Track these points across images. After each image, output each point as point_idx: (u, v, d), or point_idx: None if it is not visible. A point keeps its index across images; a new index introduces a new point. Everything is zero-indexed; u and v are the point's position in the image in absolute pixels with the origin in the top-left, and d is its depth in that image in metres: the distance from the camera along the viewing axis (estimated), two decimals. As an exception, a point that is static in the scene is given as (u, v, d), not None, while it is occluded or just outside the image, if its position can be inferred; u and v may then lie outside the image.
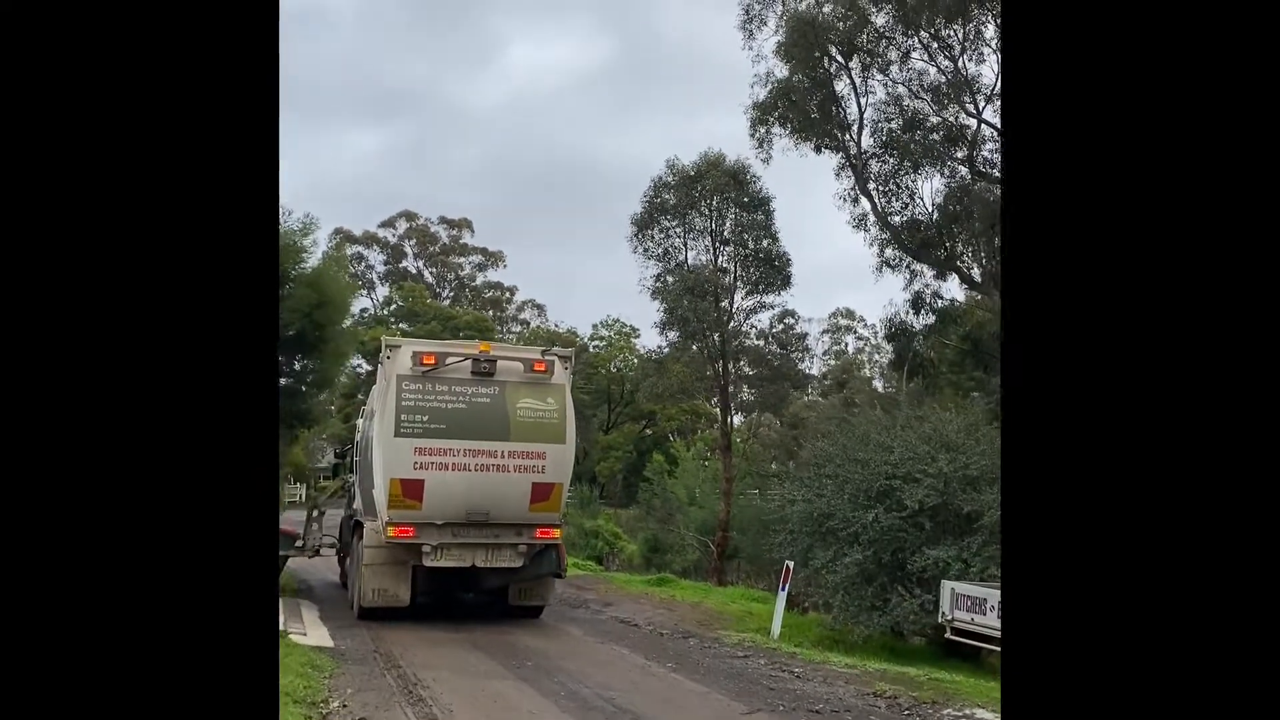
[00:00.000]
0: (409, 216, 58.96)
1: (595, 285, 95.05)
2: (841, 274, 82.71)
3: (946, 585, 12.08)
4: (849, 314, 56.75)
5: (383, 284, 57.33)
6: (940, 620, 12.19)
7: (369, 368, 45.59)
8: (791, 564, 14.49)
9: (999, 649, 11.37)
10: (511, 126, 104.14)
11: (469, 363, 12.57)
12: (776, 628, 13.95)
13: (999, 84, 19.53)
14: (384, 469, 12.49)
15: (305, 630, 12.33)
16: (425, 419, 12.34)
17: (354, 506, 16.02)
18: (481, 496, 12.48)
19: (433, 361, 12.52)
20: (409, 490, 12.27)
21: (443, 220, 59.91)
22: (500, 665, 10.58)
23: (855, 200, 22.87)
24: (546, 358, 13.10)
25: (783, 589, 14.42)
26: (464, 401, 12.51)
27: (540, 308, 61.97)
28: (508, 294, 61.72)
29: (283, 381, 22.16)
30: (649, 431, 53.49)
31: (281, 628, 11.92)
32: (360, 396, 45.93)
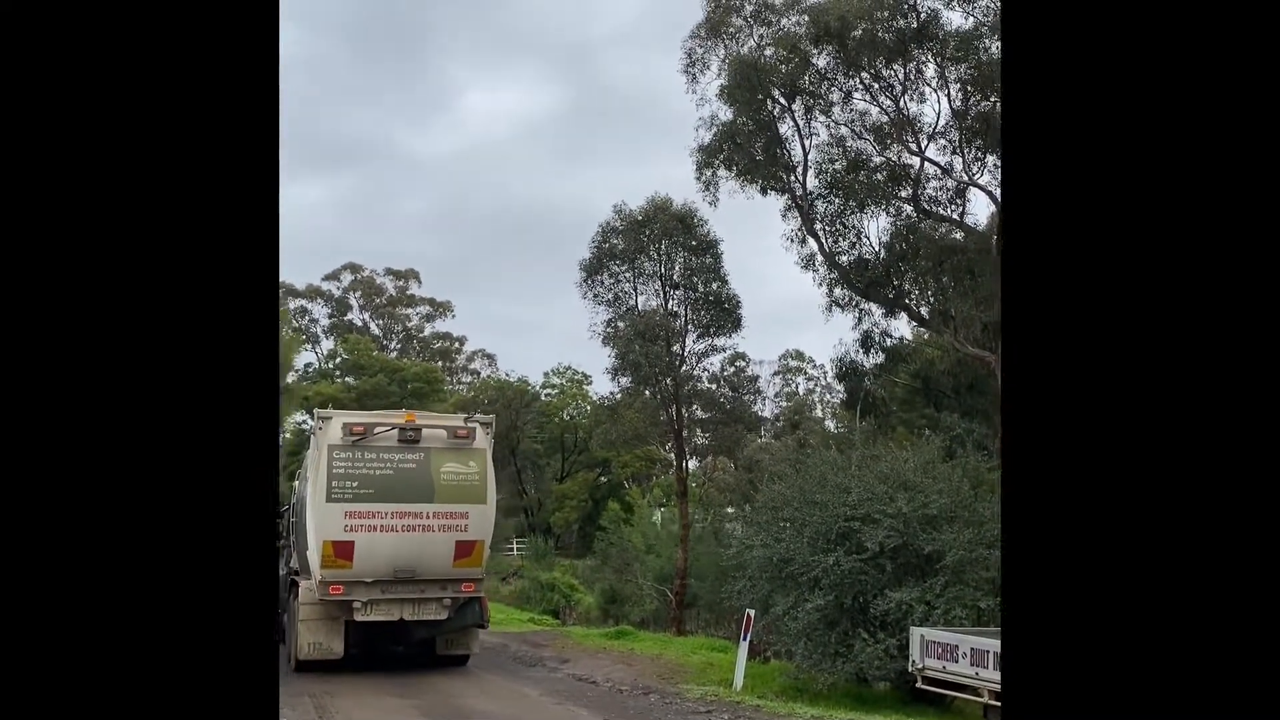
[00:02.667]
0: (354, 269, 58.31)
1: (547, 333, 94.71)
2: (790, 316, 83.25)
3: (916, 632, 11.78)
4: (799, 355, 56.97)
5: (327, 338, 56.42)
6: (910, 669, 11.86)
7: (313, 423, 44.64)
8: (752, 612, 14.12)
9: (970, 696, 11.08)
10: (463, 175, 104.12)
11: (396, 431, 13.57)
12: (739, 679, 13.53)
13: (943, 119, 19.73)
14: (317, 531, 13.30)
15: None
16: (355, 485, 13.28)
17: (290, 565, 16.52)
18: (408, 555, 13.41)
19: (361, 431, 13.45)
20: (340, 551, 13.19)
21: (389, 271, 59.37)
22: (451, 734, 10.02)
23: (803, 241, 22.92)
24: (468, 424, 14.18)
25: (744, 639, 14.02)
26: (391, 467, 13.46)
27: (490, 357, 61.45)
28: (457, 344, 61.13)
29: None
30: (604, 479, 52.90)
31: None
32: (306, 453, 44.98)
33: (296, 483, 17.88)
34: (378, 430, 13.56)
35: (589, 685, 13.88)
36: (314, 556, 13.41)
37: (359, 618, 13.54)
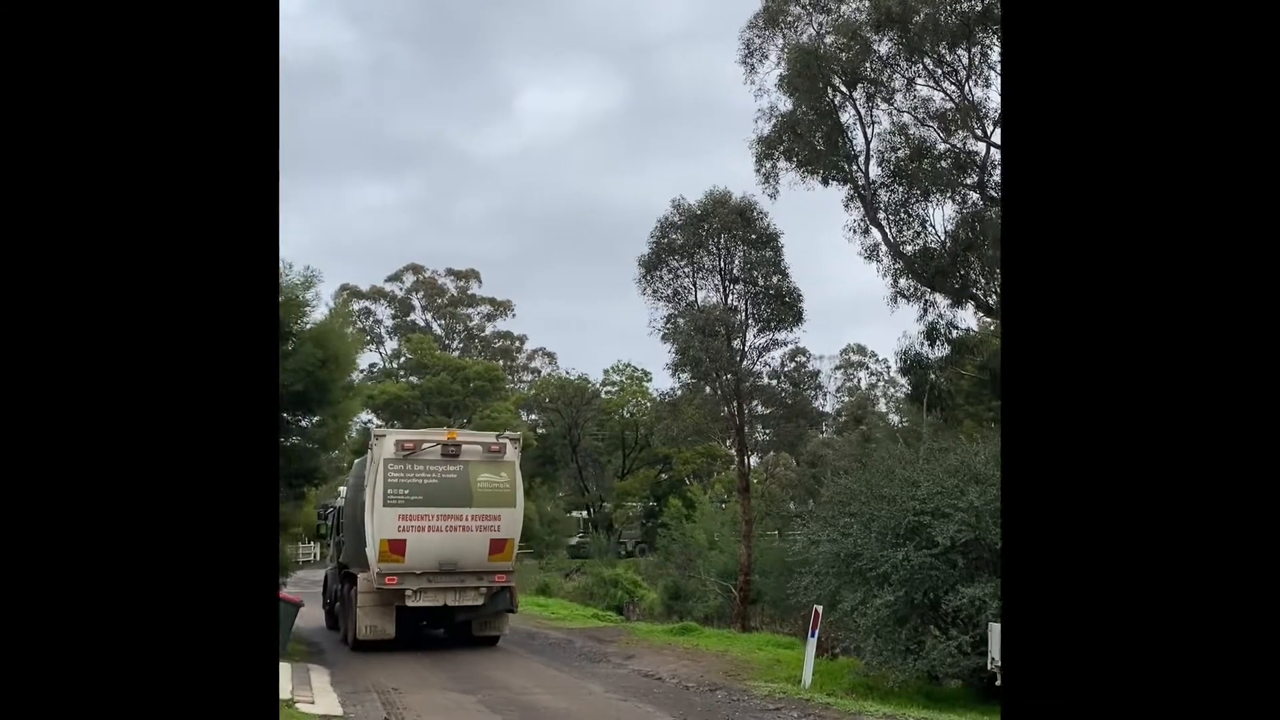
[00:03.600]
0: (416, 269, 59.00)
1: (607, 330, 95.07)
2: (851, 310, 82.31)
3: (995, 628, 11.42)
4: (860, 349, 56.26)
5: (391, 338, 57.20)
6: (990, 667, 11.51)
7: (379, 422, 45.23)
8: (820, 608, 13.86)
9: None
10: (522, 175, 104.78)
11: (440, 446, 16.23)
12: (807, 676, 13.30)
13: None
14: (375, 531, 15.87)
15: (314, 698, 11.76)
16: (406, 492, 15.89)
17: (340, 560, 19.43)
18: (451, 551, 16.10)
19: (411, 447, 16.10)
20: (395, 548, 15.82)
21: (450, 272, 59.97)
22: (518, 730, 9.98)
23: (866, 231, 22.51)
24: (500, 440, 16.95)
25: (812, 635, 13.78)
26: (436, 477, 16.13)
27: (551, 355, 61.75)
28: (517, 343, 61.54)
29: (289, 441, 21.73)
30: (664, 476, 52.82)
31: (287, 696, 11.35)
32: (360, 464, 45.59)
33: (343, 489, 20.26)
34: (425, 446, 16.19)
35: (655, 681, 13.77)
36: (372, 552, 15.85)
37: (410, 603, 16.03)
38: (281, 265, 19.50)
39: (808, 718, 10.87)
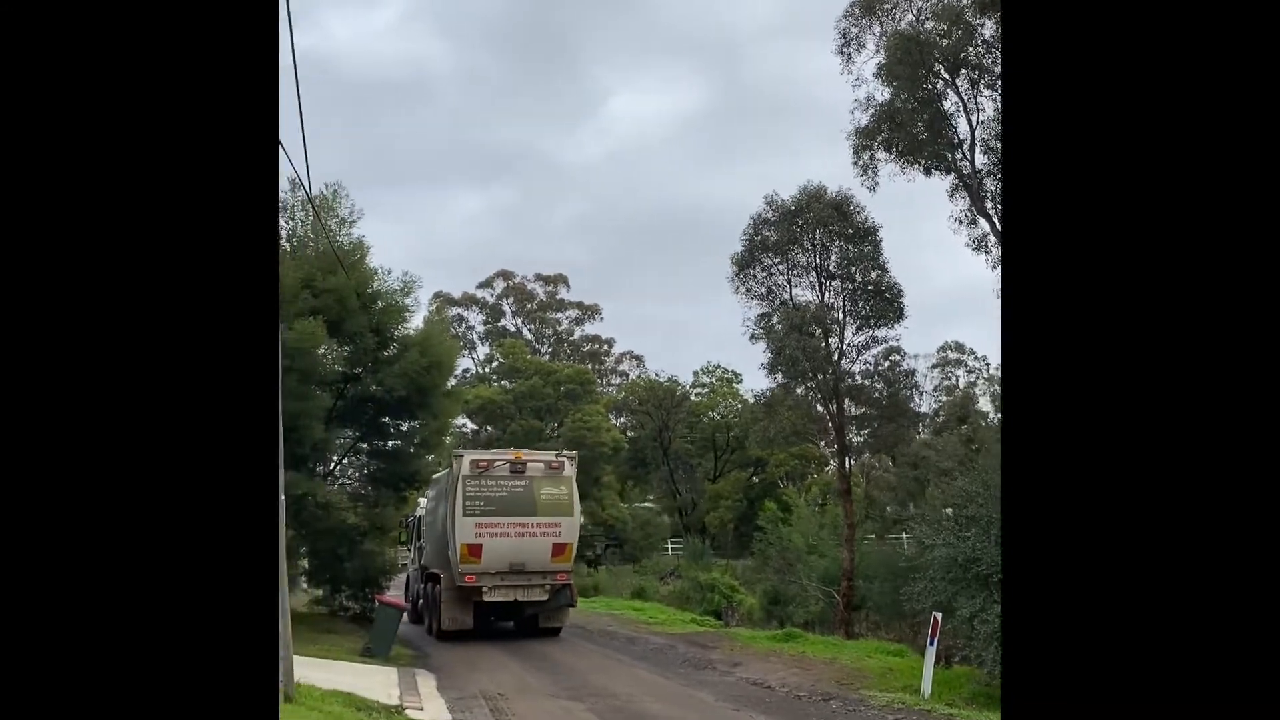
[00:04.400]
0: (506, 275, 59.55)
1: (696, 333, 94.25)
2: (945, 307, 79.92)
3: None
4: (958, 347, 54.58)
5: (483, 343, 57.85)
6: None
7: (473, 427, 45.67)
8: (939, 615, 13.24)
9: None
10: (611, 179, 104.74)
11: (508, 465, 19.15)
12: (927, 686, 12.71)
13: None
14: (457, 537, 18.66)
15: (422, 704, 11.68)
16: (481, 503, 18.69)
17: (421, 562, 22.29)
18: (519, 553, 18.89)
19: (485, 465, 19.04)
20: (473, 551, 18.59)
21: (539, 277, 60.34)
22: (632, 740, 9.69)
23: (973, 221, 21.62)
24: (559, 458, 19.80)
25: (931, 643, 13.18)
26: (505, 490, 18.95)
27: (639, 358, 61.60)
28: (605, 346, 61.55)
29: (390, 444, 21.94)
30: (757, 478, 52.13)
31: (395, 701, 11.29)
32: (440, 479, 46.11)
33: (422, 500, 23.03)
34: (495, 464, 19.11)
35: (764, 690, 13.35)
36: (454, 555, 18.61)
37: (486, 599, 18.85)
38: (380, 272, 19.71)
39: (932, 731, 10.31)
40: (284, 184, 18.64)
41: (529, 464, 19.33)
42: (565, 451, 20.92)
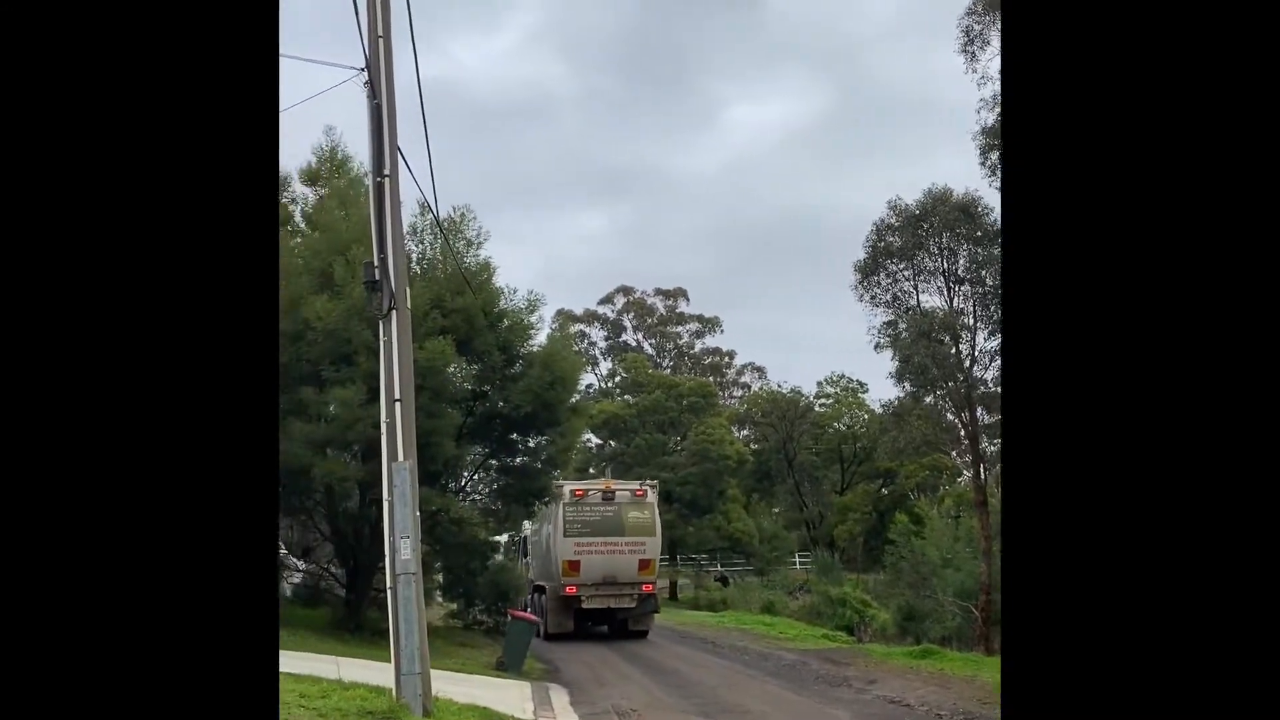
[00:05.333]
0: (626, 291, 60.01)
1: (819, 343, 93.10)
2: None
3: None
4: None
5: (605, 359, 58.39)
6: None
7: (598, 442, 46.11)
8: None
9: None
10: (728, 190, 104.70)
11: (600, 494, 23.08)
12: (1079, 709, 12.04)
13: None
14: (559, 555, 22.57)
15: (556, 719, 11.75)
16: (579, 526, 22.55)
17: (529, 576, 26.13)
18: (611, 568, 22.66)
19: (582, 494, 22.81)
20: (572, 566, 22.44)
21: (659, 291, 60.57)
22: (768, 759, 9.49)
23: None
24: (643, 487, 23.91)
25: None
26: (599, 515, 22.77)
27: (760, 370, 61.06)
28: (726, 358, 61.27)
29: (519, 460, 22.33)
30: (886, 490, 50.85)
31: (532, 716, 11.39)
32: (591, 470, 46.59)
33: (528, 523, 26.86)
34: (590, 493, 23.02)
35: (904, 709, 12.91)
36: (556, 570, 22.54)
37: (584, 606, 22.66)
38: (505, 291, 20.11)
39: (1088, 757, 9.75)
40: (413, 207, 19.29)
41: (617, 492, 23.50)
42: (648, 481, 25.57)
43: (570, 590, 22.35)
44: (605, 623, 23.92)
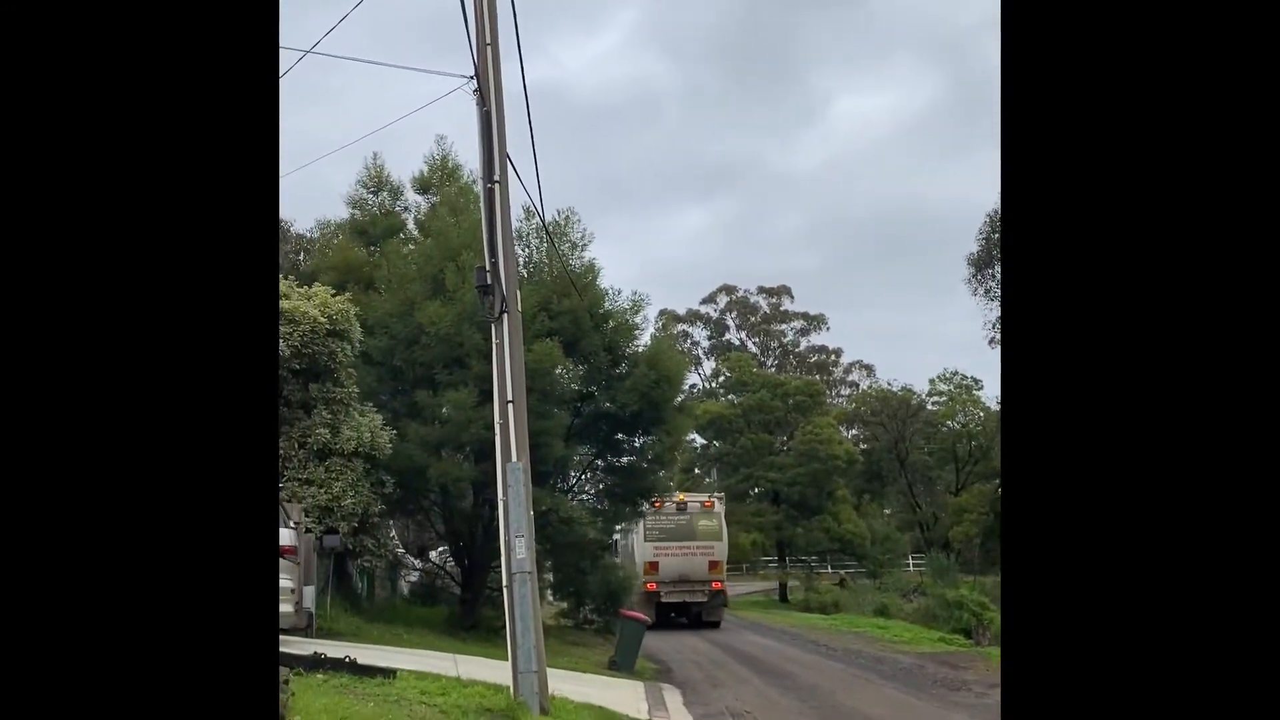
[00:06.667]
0: (729, 290, 59.81)
1: (930, 339, 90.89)
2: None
3: None
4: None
5: (708, 358, 58.26)
6: None
7: (703, 442, 46.00)
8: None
9: None
10: (834, 185, 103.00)
11: (675, 504, 27.58)
12: None
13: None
14: (640, 556, 27.41)
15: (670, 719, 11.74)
16: (657, 533, 27.36)
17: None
18: (685, 568, 27.49)
19: (659, 505, 25.75)
20: (652, 566, 27.30)
21: (761, 290, 60.17)
22: (889, 765, 9.27)
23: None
24: (710, 499, 29.43)
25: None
26: (673, 523, 27.58)
27: (868, 368, 60.04)
28: (833, 356, 60.42)
29: (626, 460, 22.44)
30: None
31: (646, 716, 11.40)
32: (697, 470, 46.51)
33: (619, 534, 28.85)
34: (666, 504, 26.68)
35: (1029, 717, 12.45)
36: (639, 569, 26.79)
37: (663, 600, 27.17)
38: (610, 292, 20.23)
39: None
40: (519, 212, 19.58)
41: (689, 504, 28.30)
42: (715, 494, 31.77)
43: (650, 587, 26.73)
44: (682, 614, 28.17)
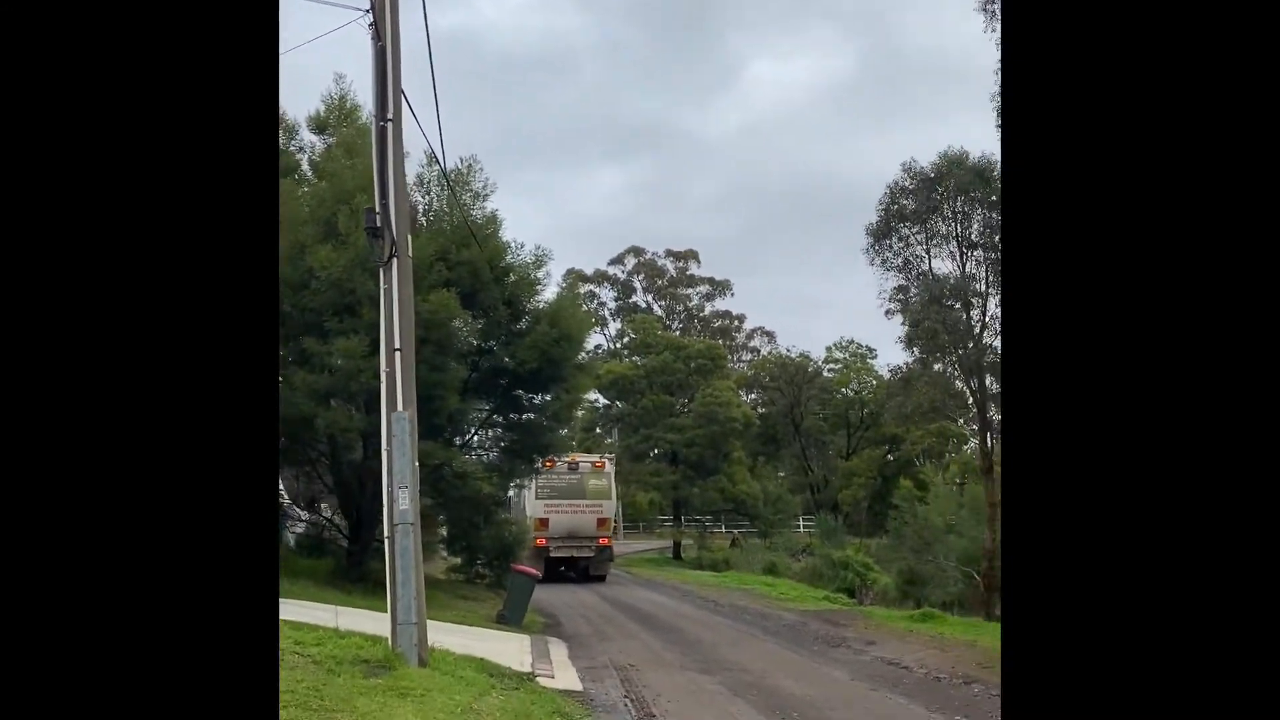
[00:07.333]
0: (637, 252, 59.60)
1: (830, 308, 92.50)
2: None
3: None
4: (1110, 320, 51.65)
5: (614, 319, 58.20)
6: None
7: (605, 402, 46.07)
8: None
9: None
10: (749, 151, 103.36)
11: (566, 464, 28.36)
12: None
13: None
14: (531, 513, 28.54)
15: (553, 672, 11.76)
16: (549, 491, 28.62)
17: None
18: (574, 524, 28.87)
19: (551, 464, 25.88)
20: (542, 523, 28.46)
21: (670, 253, 60.18)
22: (764, 717, 9.49)
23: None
24: (601, 459, 30.57)
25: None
26: (564, 482, 28.91)
27: (770, 334, 60.81)
28: (736, 322, 61.01)
29: (524, 417, 22.27)
30: (892, 456, 50.80)
31: (529, 669, 11.40)
32: (598, 429, 46.56)
33: (513, 491, 29.44)
34: (558, 463, 27.13)
35: (901, 670, 12.90)
36: (530, 525, 27.21)
37: (552, 555, 28.48)
38: (512, 246, 19.91)
39: (1085, 722, 9.70)
40: (420, 158, 19.04)
41: (581, 464, 29.44)
42: (607, 454, 32.38)
43: (540, 542, 27.85)
44: (570, 569, 29.49)
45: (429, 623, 10.70)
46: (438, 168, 18.35)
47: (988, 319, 24.76)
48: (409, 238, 10.43)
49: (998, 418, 33.01)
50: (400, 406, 9.58)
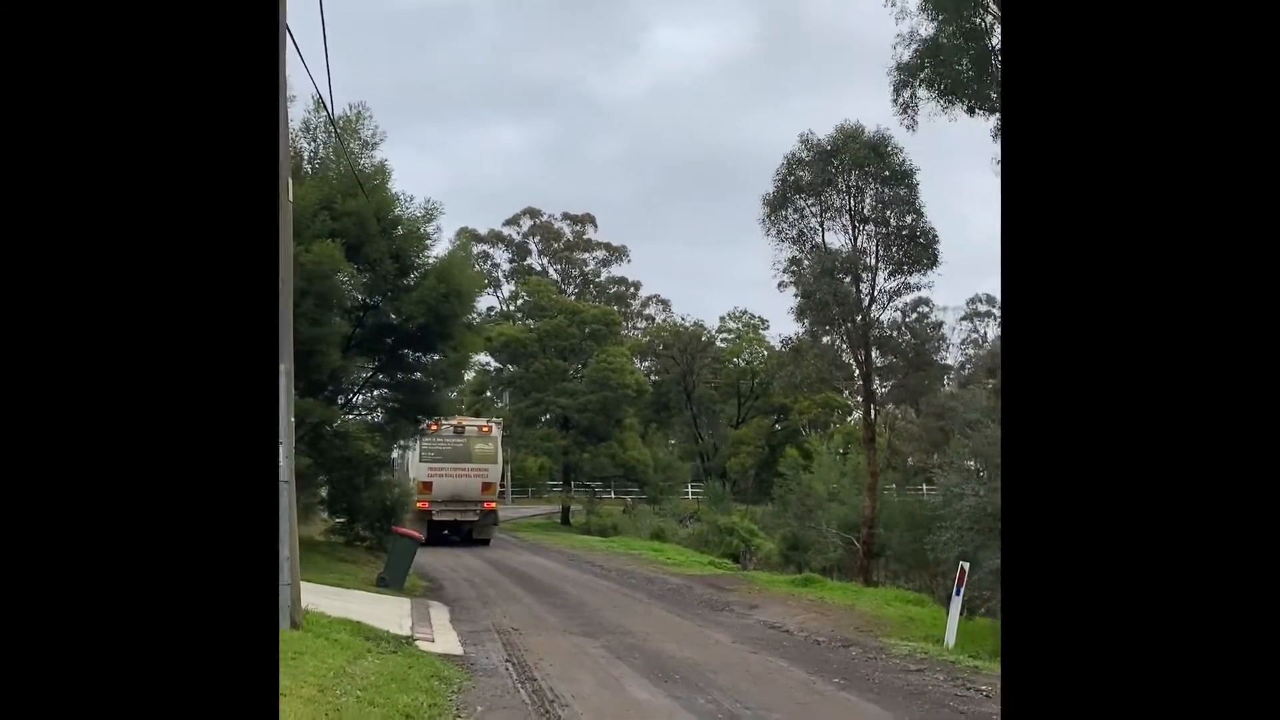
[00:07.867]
0: (533, 213, 58.74)
1: (725, 278, 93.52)
2: (976, 258, 78.28)
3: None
4: (990, 300, 53.57)
5: (508, 282, 57.40)
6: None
7: (497, 365, 45.47)
8: (966, 566, 12.87)
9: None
10: (649, 116, 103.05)
11: (452, 428, 27.68)
12: (951, 637, 12.38)
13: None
14: (415, 476, 27.92)
15: (433, 636, 11.49)
16: (433, 454, 27.99)
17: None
18: (459, 488, 28.29)
19: (436, 428, 25.53)
20: (426, 486, 27.79)
21: (566, 216, 59.55)
22: (646, 679, 9.44)
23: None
24: (488, 424, 29.80)
25: (957, 593, 12.82)
26: (449, 445, 28.24)
27: (665, 302, 60.98)
28: (632, 289, 60.96)
29: (411, 376, 21.70)
30: (780, 425, 51.77)
31: (408, 632, 11.10)
32: (489, 393, 45.95)
33: (396, 452, 29.02)
34: (444, 426, 26.48)
35: (782, 634, 13.09)
36: (412, 489, 26.63)
37: (435, 519, 27.72)
38: (402, 198, 19.25)
39: (955, 682, 9.97)
40: (307, 103, 18.18)
41: (467, 428, 28.72)
42: (493, 419, 31.49)
43: (423, 505, 27.15)
44: (454, 532, 28.84)
45: (304, 585, 10.28)
46: (325, 115, 17.54)
47: (876, 292, 25.33)
48: (289, 182, 9.87)
49: (881, 390, 33.86)
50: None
